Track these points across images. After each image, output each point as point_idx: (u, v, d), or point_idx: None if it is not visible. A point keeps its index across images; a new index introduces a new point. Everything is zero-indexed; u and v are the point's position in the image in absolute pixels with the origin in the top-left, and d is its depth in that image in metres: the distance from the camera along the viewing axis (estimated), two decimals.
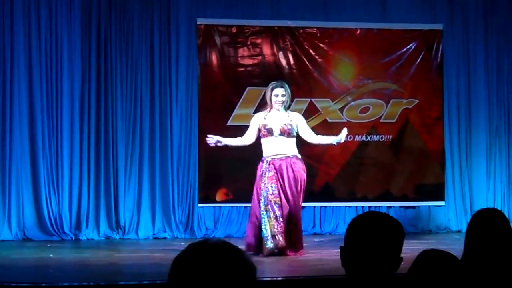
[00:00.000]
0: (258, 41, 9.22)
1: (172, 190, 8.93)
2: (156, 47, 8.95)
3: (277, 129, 7.03)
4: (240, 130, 7.91)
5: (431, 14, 9.54)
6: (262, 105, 7.88)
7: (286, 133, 7.03)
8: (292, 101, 7.35)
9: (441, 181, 9.48)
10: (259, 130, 7.12)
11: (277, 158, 7.00)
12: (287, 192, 6.94)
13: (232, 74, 9.17)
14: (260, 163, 7.07)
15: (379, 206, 9.24)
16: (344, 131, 7.18)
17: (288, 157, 7.02)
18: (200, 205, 9.03)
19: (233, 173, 8.95)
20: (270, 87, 7.14)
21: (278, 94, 7.08)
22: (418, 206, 9.49)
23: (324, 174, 9.27)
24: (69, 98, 8.71)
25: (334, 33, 9.36)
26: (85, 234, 8.67)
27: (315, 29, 9.32)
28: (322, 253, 7.21)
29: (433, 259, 2.34)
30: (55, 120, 8.68)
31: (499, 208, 7.20)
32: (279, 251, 6.85)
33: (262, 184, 6.97)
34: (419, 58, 9.46)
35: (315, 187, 9.01)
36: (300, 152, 7.16)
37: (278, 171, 6.96)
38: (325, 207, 9.28)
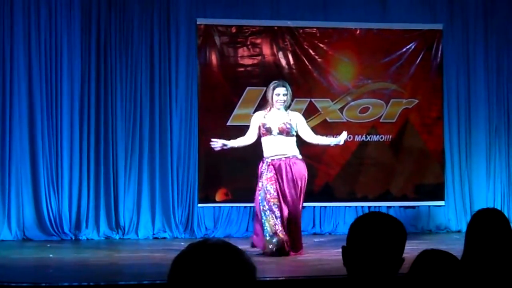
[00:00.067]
0: (258, 41, 9.22)
1: (172, 190, 8.93)
2: (156, 47, 8.95)
3: (276, 127, 7.03)
4: (240, 130, 7.91)
5: (431, 14, 9.54)
6: (262, 105, 7.89)
7: (284, 132, 7.03)
8: (292, 101, 7.35)
9: (441, 181, 9.48)
10: (259, 129, 7.12)
11: (277, 159, 7.00)
12: (286, 193, 6.94)
13: (232, 74, 9.18)
14: (261, 163, 7.08)
15: (379, 206, 9.24)
16: (344, 135, 7.18)
17: (288, 157, 7.01)
18: (200, 205, 9.03)
19: (233, 173, 8.95)
20: (271, 86, 7.14)
21: (280, 93, 7.08)
22: (418, 206, 9.49)
23: (324, 174, 9.27)
24: (69, 98, 8.71)
25: (334, 33, 9.36)
26: (85, 234, 8.67)
27: (315, 29, 9.32)
28: (322, 253, 7.21)
29: (433, 259, 2.34)
30: (55, 120, 8.68)
31: (499, 208, 7.21)
32: (281, 250, 6.85)
33: (260, 184, 6.98)
34: (419, 58, 9.46)
35: (315, 187, 9.01)
36: (300, 152, 7.16)
37: (278, 172, 6.96)
38: (325, 207, 9.28)
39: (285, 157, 7.01)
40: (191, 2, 9.06)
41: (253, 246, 7.02)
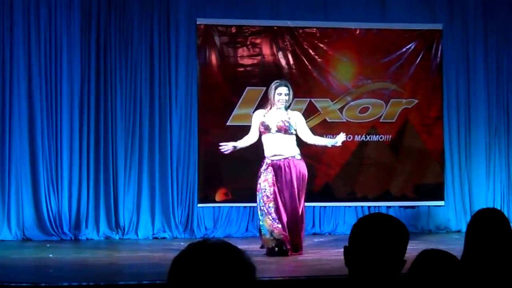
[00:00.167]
0: (258, 41, 9.22)
1: (171, 190, 8.92)
2: (156, 47, 8.95)
3: (274, 125, 7.05)
4: (240, 130, 7.91)
5: (431, 14, 9.54)
6: (262, 104, 7.90)
7: (283, 129, 7.04)
8: (292, 100, 7.35)
9: (441, 181, 9.48)
10: (259, 127, 7.14)
11: (276, 160, 7.01)
12: (284, 195, 6.95)
13: (232, 74, 9.17)
14: (261, 163, 7.09)
15: (379, 206, 9.25)
16: (341, 136, 7.19)
17: (287, 158, 7.02)
18: (199, 205, 9.02)
19: (233, 173, 8.95)
20: (273, 85, 7.15)
21: (282, 93, 7.10)
22: (418, 206, 9.49)
23: (323, 174, 9.27)
24: (68, 98, 8.71)
25: (334, 33, 9.36)
26: (85, 234, 8.67)
27: (315, 29, 9.32)
28: (322, 253, 7.22)
29: (433, 259, 2.34)
30: (54, 120, 8.68)
31: (499, 208, 7.20)
32: (280, 249, 6.87)
33: (258, 185, 7.00)
34: (419, 58, 9.46)
35: (314, 187, 9.00)
36: (299, 152, 7.16)
37: (277, 174, 6.98)
38: (325, 207, 9.28)
39: (284, 158, 7.01)
40: (191, 2, 9.06)
41: (262, 246, 7.07)
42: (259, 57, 9.22)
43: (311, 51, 9.26)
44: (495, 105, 9.58)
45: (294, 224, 6.97)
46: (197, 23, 9.08)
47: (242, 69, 9.20)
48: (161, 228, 8.88)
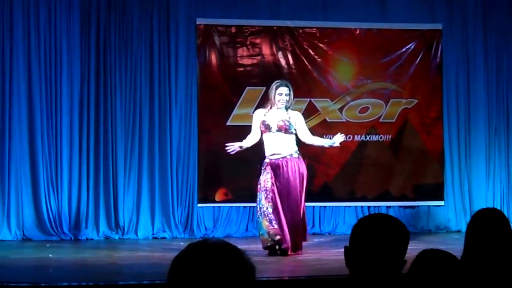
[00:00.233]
0: (258, 41, 9.22)
1: (171, 190, 8.92)
2: (156, 47, 8.95)
3: (275, 125, 7.06)
4: (240, 130, 7.92)
5: (430, 14, 9.54)
6: (261, 104, 7.90)
7: (283, 129, 7.05)
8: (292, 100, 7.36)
9: (441, 181, 9.48)
10: (260, 126, 7.15)
11: (274, 159, 7.02)
12: (283, 194, 6.96)
13: (232, 74, 9.17)
14: (260, 162, 7.10)
15: (379, 206, 9.25)
16: (338, 137, 7.19)
17: (285, 157, 7.03)
18: (199, 205, 9.02)
19: (233, 173, 8.95)
20: (274, 85, 7.16)
21: (282, 93, 7.11)
22: (418, 206, 9.49)
23: (323, 174, 9.27)
24: (68, 99, 8.71)
25: (334, 33, 9.36)
26: (85, 234, 8.67)
27: (315, 29, 9.32)
28: (321, 253, 7.21)
29: (433, 259, 2.34)
30: (54, 121, 8.68)
31: (499, 208, 7.19)
32: (279, 246, 6.89)
33: (259, 185, 7.02)
34: (419, 58, 9.46)
35: (314, 187, 9.00)
36: (299, 151, 7.16)
37: (275, 173, 6.99)
38: (325, 207, 9.28)
39: (282, 157, 7.03)
40: (191, 2, 9.06)
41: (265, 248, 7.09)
42: (259, 57, 9.22)
43: (311, 51, 9.26)
44: (495, 105, 9.58)
45: (295, 223, 6.97)
46: (197, 23, 9.08)
47: (242, 69, 9.20)
48: (161, 228, 8.88)
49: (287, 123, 7.07)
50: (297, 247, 7.00)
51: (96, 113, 8.76)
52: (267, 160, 7.05)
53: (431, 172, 9.50)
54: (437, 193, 9.46)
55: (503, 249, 2.90)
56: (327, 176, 9.30)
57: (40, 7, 8.68)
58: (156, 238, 8.81)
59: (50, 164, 8.62)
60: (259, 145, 7.18)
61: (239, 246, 1.65)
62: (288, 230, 6.93)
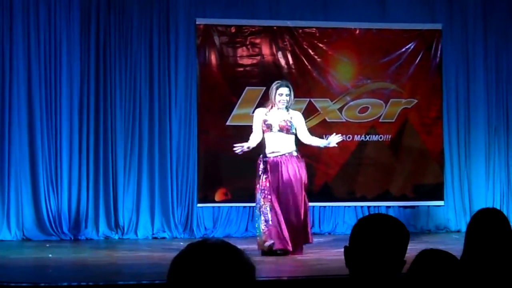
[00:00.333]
0: (257, 41, 9.22)
1: (171, 190, 8.92)
2: (155, 47, 8.95)
3: (277, 124, 7.07)
4: (239, 130, 7.92)
5: (430, 14, 9.54)
6: (261, 104, 7.89)
7: (285, 129, 7.07)
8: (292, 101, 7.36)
9: (440, 181, 9.48)
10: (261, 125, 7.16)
11: (273, 157, 7.03)
12: (281, 192, 6.96)
13: (231, 74, 9.17)
14: (258, 162, 7.10)
15: (378, 206, 9.25)
16: (334, 138, 7.18)
17: (283, 154, 7.04)
18: (199, 205, 9.02)
19: (232, 173, 8.95)
20: (274, 86, 7.16)
21: (283, 93, 7.11)
22: (417, 206, 9.49)
23: (323, 174, 9.27)
24: (68, 99, 8.71)
25: (333, 33, 9.36)
26: (84, 234, 8.67)
27: (314, 29, 9.32)
28: (321, 253, 7.21)
29: (432, 258, 2.34)
30: (54, 121, 8.68)
31: (498, 208, 7.20)
32: (271, 251, 6.91)
33: (258, 185, 7.02)
34: (418, 58, 9.46)
35: (314, 187, 9.00)
36: (299, 151, 7.17)
37: (274, 172, 6.99)
38: (324, 207, 9.27)
39: (281, 155, 7.04)
40: (191, 2, 9.05)
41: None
42: (258, 57, 9.22)
43: (310, 51, 9.26)
44: (494, 105, 9.58)
45: (294, 223, 6.97)
46: (197, 23, 9.08)
47: (241, 69, 9.20)
48: (160, 228, 8.88)
49: (288, 124, 7.08)
50: (297, 247, 6.99)
51: (95, 113, 8.76)
52: (266, 159, 7.05)
53: (431, 172, 9.50)
54: (436, 193, 9.46)
55: (503, 249, 2.90)
56: (327, 176, 9.30)
57: (40, 7, 8.68)
58: (155, 238, 8.81)
59: (49, 164, 8.62)
60: (260, 144, 7.18)
61: (239, 246, 1.65)
62: (288, 230, 6.92)
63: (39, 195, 8.58)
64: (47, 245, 7.99)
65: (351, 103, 9.34)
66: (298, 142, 7.23)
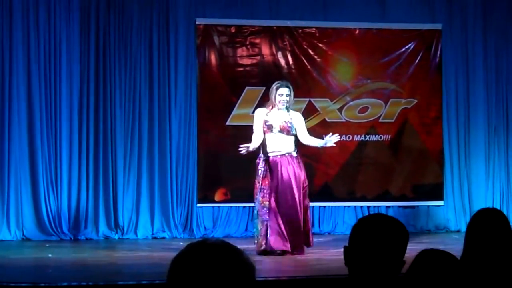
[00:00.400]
0: (257, 41, 9.22)
1: (171, 190, 8.92)
2: (155, 47, 8.95)
3: (277, 125, 7.08)
4: (239, 130, 7.92)
5: (430, 14, 9.54)
6: (261, 104, 7.89)
7: (285, 130, 7.08)
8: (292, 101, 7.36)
9: (440, 180, 9.48)
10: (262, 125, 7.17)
11: (273, 156, 7.04)
12: (280, 194, 6.96)
13: (231, 74, 9.17)
14: (258, 161, 7.10)
15: (378, 206, 9.25)
16: (329, 138, 7.17)
17: (283, 155, 7.05)
18: (199, 205, 9.02)
19: (232, 173, 8.94)
20: (275, 86, 7.16)
21: (283, 93, 7.11)
22: (417, 206, 9.48)
23: (323, 174, 9.27)
24: (68, 99, 8.70)
25: (333, 33, 9.36)
26: (84, 234, 8.66)
27: (314, 29, 9.32)
28: (321, 253, 7.21)
29: (432, 258, 2.34)
30: (54, 121, 8.68)
31: (498, 208, 7.19)
32: (269, 252, 6.92)
33: (257, 185, 7.03)
34: (418, 58, 9.46)
35: (314, 187, 8.98)
36: (298, 152, 7.17)
37: (273, 172, 7.00)
38: (324, 207, 9.27)
39: (280, 155, 7.05)
40: (190, 2, 9.05)
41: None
42: (258, 57, 9.21)
43: (310, 51, 9.26)
44: (494, 105, 9.58)
45: (294, 223, 6.97)
46: (197, 23, 9.08)
47: (241, 69, 9.20)
48: (160, 228, 8.88)
49: (289, 125, 7.09)
50: (296, 248, 6.99)
51: (95, 113, 8.76)
52: (266, 159, 7.05)
53: (430, 172, 9.49)
54: (436, 193, 9.46)
55: (503, 249, 2.90)
56: (327, 176, 9.30)
57: (39, 7, 8.67)
58: (155, 238, 8.81)
59: (49, 163, 8.62)
60: (260, 145, 7.18)
61: (239, 246, 1.65)
62: (286, 230, 6.92)
63: (39, 195, 8.58)
64: (47, 245, 7.99)
65: (351, 103, 9.34)
66: (297, 142, 7.23)
